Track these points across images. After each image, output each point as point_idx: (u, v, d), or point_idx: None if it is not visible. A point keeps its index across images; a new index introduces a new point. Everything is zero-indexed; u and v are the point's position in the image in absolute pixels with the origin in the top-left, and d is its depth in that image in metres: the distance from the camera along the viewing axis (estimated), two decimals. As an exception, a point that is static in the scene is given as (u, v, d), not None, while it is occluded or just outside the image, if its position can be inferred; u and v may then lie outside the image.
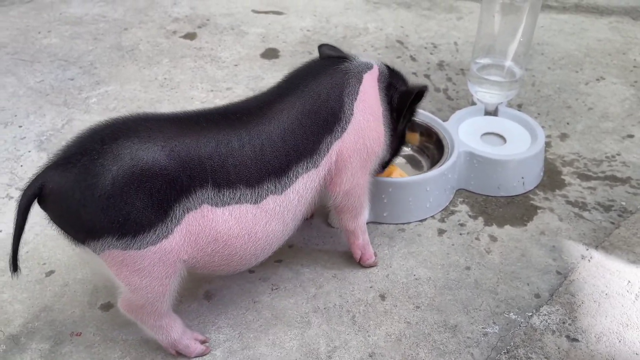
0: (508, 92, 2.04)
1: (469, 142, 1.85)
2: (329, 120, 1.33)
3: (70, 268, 1.56)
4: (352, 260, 1.59)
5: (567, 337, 1.39)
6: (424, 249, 1.64)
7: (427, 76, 2.46)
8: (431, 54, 2.64)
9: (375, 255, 1.58)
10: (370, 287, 1.52)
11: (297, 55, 2.61)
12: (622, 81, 2.43)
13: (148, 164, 1.12)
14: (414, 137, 1.89)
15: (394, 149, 1.53)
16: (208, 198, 1.19)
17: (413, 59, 2.59)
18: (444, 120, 1.92)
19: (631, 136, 2.11)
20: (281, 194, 1.27)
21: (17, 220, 1.12)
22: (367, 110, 1.38)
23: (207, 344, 1.36)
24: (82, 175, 1.09)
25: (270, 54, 2.64)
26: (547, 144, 2.03)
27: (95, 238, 1.12)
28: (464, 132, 1.91)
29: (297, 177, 1.29)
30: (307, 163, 1.30)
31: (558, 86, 2.40)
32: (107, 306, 1.46)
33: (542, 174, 1.90)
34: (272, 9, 3.06)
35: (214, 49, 2.66)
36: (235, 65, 2.54)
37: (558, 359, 1.33)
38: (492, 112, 2.01)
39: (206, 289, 1.50)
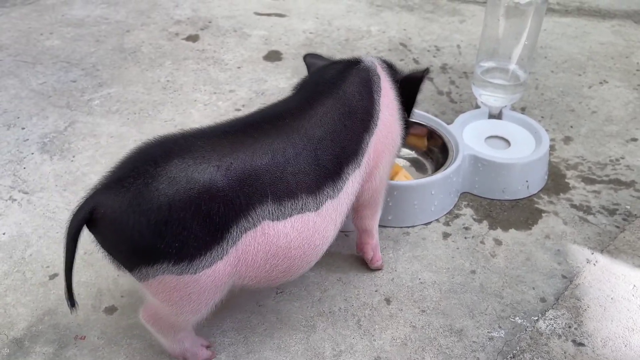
0: (512, 96, 2.03)
1: (473, 146, 1.85)
2: (364, 118, 1.33)
3: (74, 271, 1.55)
4: (357, 263, 1.58)
5: (573, 341, 1.38)
6: (428, 253, 1.63)
7: (430, 79, 2.45)
8: (434, 56, 2.63)
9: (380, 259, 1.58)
10: (376, 291, 1.52)
11: (299, 57, 2.60)
12: (625, 84, 2.43)
13: (205, 187, 1.06)
14: (421, 142, 1.88)
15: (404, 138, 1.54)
16: (268, 213, 1.13)
17: (416, 61, 2.59)
18: (448, 124, 1.91)
19: (635, 139, 2.10)
20: (336, 197, 1.24)
21: (67, 247, 1.06)
22: (390, 105, 1.40)
23: (211, 348, 1.35)
24: (137, 200, 1.03)
25: (273, 56, 2.64)
26: (551, 148, 2.03)
27: (149, 264, 1.07)
28: (468, 136, 1.91)
29: (347, 179, 1.27)
30: (354, 164, 1.28)
31: (561, 89, 2.40)
32: (111, 309, 1.45)
33: (546, 177, 1.90)
34: (274, 11, 3.06)
35: (217, 51, 2.66)
36: (238, 67, 2.54)
37: (564, 363, 1.33)
38: (496, 116, 2.01)
39: (211, 293, 1.50)
